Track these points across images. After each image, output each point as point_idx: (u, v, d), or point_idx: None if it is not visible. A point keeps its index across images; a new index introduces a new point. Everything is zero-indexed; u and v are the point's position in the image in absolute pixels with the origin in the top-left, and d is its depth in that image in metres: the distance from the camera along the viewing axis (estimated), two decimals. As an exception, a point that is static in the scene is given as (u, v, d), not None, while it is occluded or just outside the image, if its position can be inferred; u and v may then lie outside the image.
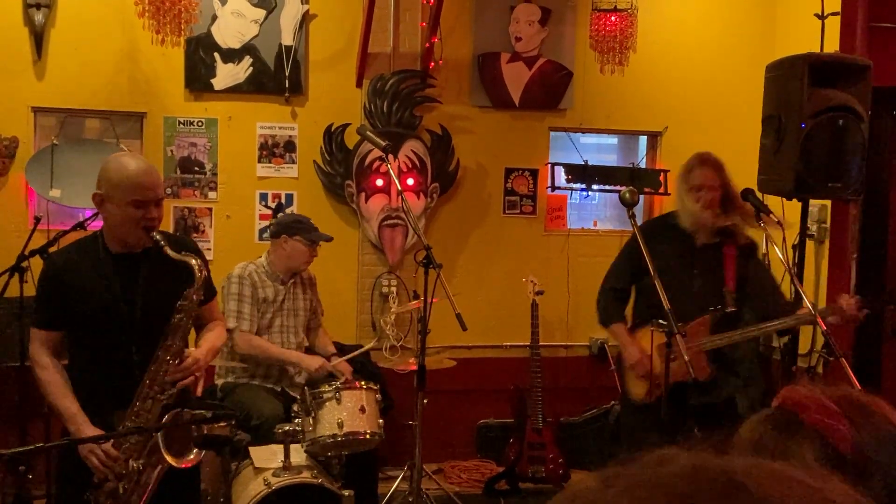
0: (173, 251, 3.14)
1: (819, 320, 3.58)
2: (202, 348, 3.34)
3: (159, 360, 3.10)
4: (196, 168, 5.85)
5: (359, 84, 6.02)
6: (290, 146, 5.99)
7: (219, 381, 4.99)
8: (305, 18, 5.91)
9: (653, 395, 4.09)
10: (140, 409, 3.07)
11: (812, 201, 5.09)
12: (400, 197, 5.67)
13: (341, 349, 5.32)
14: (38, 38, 5.51)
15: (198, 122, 5.83)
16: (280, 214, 5.80)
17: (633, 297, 4.44)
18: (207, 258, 3.63)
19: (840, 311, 3.96)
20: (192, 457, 3.06)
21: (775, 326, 4.12)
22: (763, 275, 4.29)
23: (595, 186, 6.38)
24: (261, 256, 5.12)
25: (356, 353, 5.19)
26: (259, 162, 5.95)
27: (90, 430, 3.06)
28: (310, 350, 5.20)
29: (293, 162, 6.00)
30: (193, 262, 3.16)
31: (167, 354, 3.10)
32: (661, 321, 3.72)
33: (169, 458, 3.02)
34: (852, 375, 3.31)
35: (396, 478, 5.34)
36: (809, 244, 5.48)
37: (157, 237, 3.14)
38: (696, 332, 4.02)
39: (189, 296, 3.15)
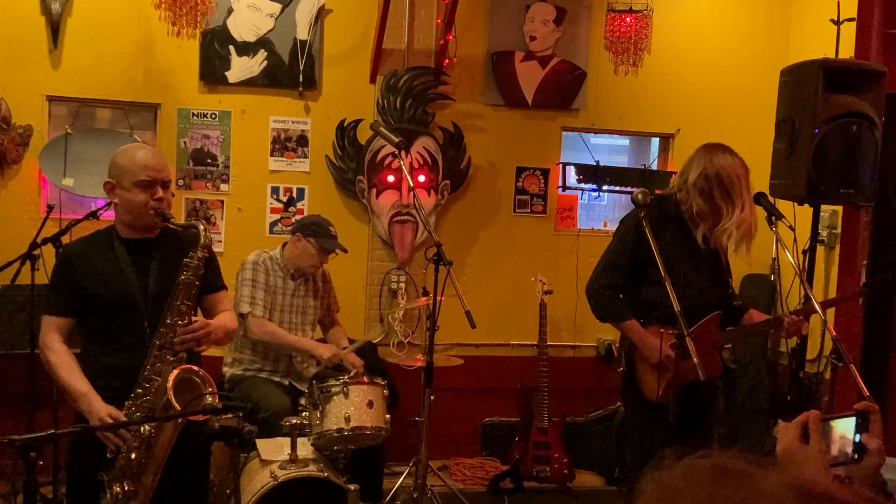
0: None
1: (830, 327, 3.58)
2: (214, 321, 3.38)
3: (167, 321, 3.16)
4: (209, 160, 5.87)
5: (372, 80, 6.04)
6: (302, 140, 6.00)
7: (227, 373, 5.00)
8: (321, 13, 5.93)
9: (668, 394, 3.88)
10: (150, 374, 3.12)
11: (823, 207, 5.08)
12: (411, 193, 5.68)
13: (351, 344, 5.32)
14: (55, 28, 5.53)
15: (211, 114, 5.85)
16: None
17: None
18: (218, 250, 3.68)
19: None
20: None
21: (759, 329, 4.13)
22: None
23: (606, 187, 6.38)
24: (276, 248, 5.13)
25: (360, 343, 5.18)
26: (271, 155, 5.97)
27: (101, 406, 3.10)
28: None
29: (305, 156, 6.01)
30: (199, 224, 3.28)
31: (175, 315, 3.16)
32: (670, 330, 3.71)
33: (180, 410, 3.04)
34: (861, 382, 3.31)
35: (401, 473, 5.35)
36: (820, 250, 5.47)
37: (164, 212, 3.24)
38: (707, 330, 3.91)
39: (194, 254, 3.23)
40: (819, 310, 3.74)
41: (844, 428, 1.81)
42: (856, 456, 1.78)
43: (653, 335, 3.87)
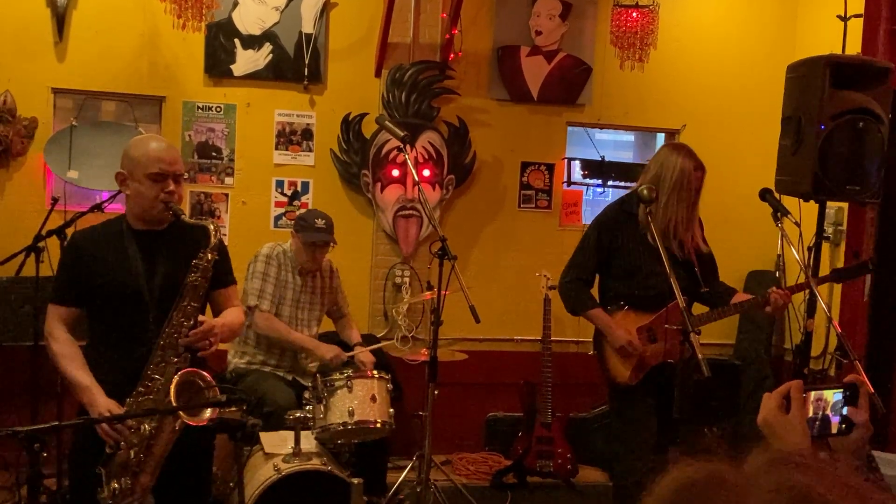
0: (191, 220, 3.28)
1: (835, 324, 3.58)
2: (219, 319, 3.36)
3: (173, 321, 3.13)
4: (213, 153, 5.87)
5: (377, 74, 6.03)
6: (307, 134, 6.00)
7: (231, 364, 5.00)
8: (326, 7, 5.92)
9: (637, 377, 4.19)
10: (153, 373, 3.10)
11: (829, 203, 5.07)
12: (416, 188, 5.67)
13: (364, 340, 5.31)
14: (60, 20, 5.53)
15: (216, 107, 5.84)
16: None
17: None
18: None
19: (774, 303, 4.09)
20: (206, 415, 3.06)
21: (739, 309, 4.29)
22: (711, 253, 4.40)
23: (611, 182, 6.37)
24: (288, 241, 5.12)
25: (376, 346, 5.18)
26: (276, 149, 5.97)
27: (104, 401, 3.10)
28: (334, 340, 5.19)
29: (310, 150, 6.01)
30: (210, 225, 3.24)
31: (181, 315, 3.13)
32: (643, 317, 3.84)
33: (183, 416, 3.03)
34: (865, 378, 3.30)
35: (405, 467, 5.35)
36: (825, 246, 5.45)
37: (175, 207, 3.22)
38: (673, 315, 4.01)
39: (204, 255, 3.20)
40: (824, 307, 3.75)
41: (831, 399, 1.83)
42: (843, 427, 1.80)
43: (619, 321, 4.21)
